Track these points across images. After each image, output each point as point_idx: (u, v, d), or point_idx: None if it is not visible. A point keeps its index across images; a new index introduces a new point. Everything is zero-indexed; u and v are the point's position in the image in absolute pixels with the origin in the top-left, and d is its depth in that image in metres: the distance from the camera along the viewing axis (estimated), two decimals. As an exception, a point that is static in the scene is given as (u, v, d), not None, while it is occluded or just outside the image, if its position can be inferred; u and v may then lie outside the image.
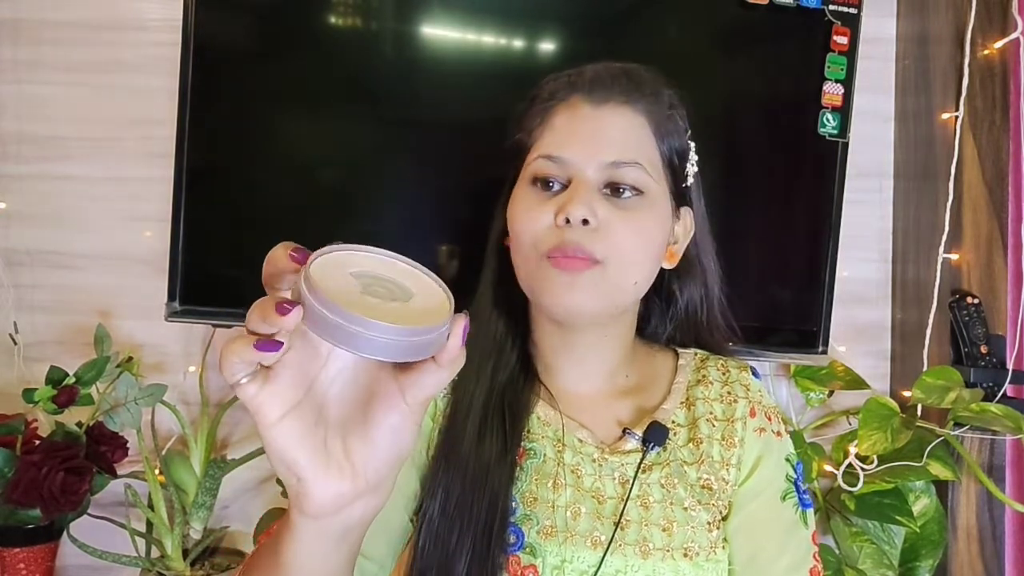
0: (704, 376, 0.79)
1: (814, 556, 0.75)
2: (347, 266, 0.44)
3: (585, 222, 0.68)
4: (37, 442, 1.16)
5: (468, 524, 0.67)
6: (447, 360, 0.44)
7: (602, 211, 0.69)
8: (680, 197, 0.77)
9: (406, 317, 0.42)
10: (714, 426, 0.75)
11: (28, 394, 1.16)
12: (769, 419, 0.77)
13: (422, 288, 0.45)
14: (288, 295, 0.43)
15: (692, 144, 0.78)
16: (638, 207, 0.71)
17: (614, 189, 0.71)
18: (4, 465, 1.12)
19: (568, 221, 0.68)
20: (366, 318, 0.39)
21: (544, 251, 0.70)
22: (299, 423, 0.45)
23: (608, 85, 0.73)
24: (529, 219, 0.71)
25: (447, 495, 0.68)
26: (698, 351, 0.83)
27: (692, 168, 0.78)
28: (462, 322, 0.44)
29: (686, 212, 0.78)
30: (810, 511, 0.76)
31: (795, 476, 0.77)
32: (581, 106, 0.72)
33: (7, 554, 1.15)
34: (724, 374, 0.79)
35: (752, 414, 0.76)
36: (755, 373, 0.81)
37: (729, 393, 0.77)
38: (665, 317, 0.83)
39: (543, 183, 0.72)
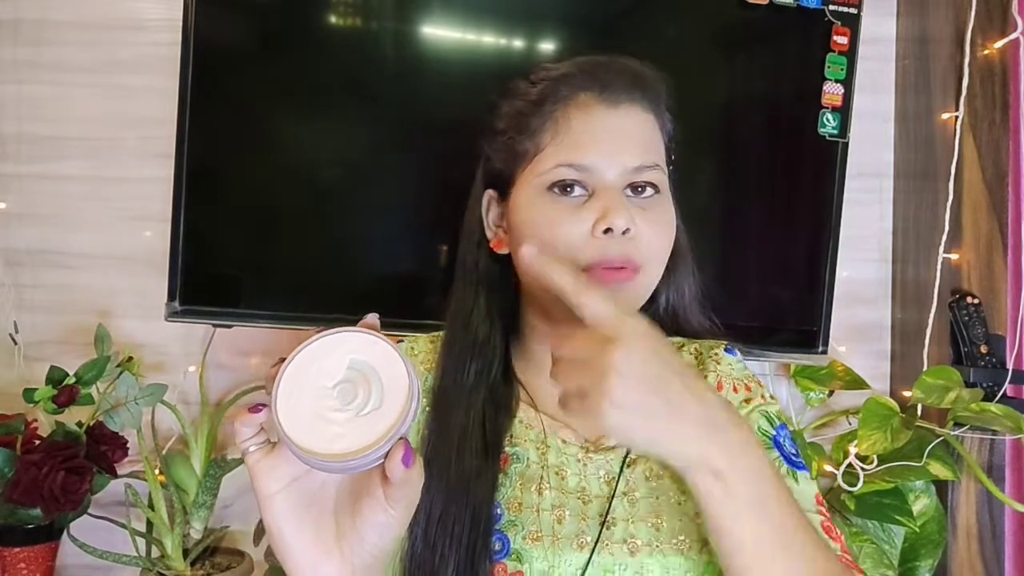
0: None
1: (822, 512, 0.67)
2: (329, 357, 0.51)
3: (626, 231, 0.67)
4: (37, 442, 1.16)
5: (452, 533, 0.66)
6: (392, 486, 0.50)
7: (637, 220, 0.68)
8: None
9: (356, 433, 0.49)
10: None
11: (28, 394, 1.16)
12: (736, 391, 0.75)
13: (390, 377, 0.50)
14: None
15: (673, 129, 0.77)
16: (657, 206, 0.71)
17: (634, 188, 0.70)
18: (4, 465, 1.12)
19: (608, 231, 0.67)
20: (305, 453, 0.48)
21: (584, 264, 0.68)
22: (293, 498, 0.51)
23: (617, 84, 0.71)
24: (562, 231, 0.68)
25: (431, 507, 0.67)
26: (674, 339, 0.81)
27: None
28: (398, 453, 0.49)
29: None
30: (803, 473, 0.70)
31: (773, 433, 0.72)
32: (595, 107, 0.70)
33: (7, 554, 1.15)
34: (697, 356, 0.78)
35: (719, 387, 0.74)
36: (730, 350, 0.78)
37: (700, 370, 0.76)
38: (649, 309, 0.80)
39: (562, 188, 0.69)
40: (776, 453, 0.71)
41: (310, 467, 0.50)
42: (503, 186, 0.75)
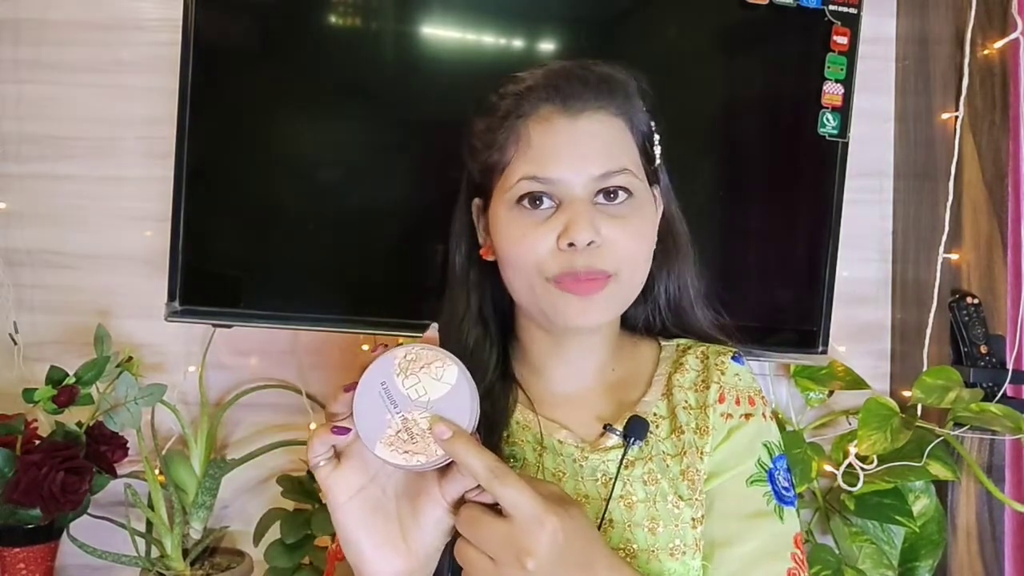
0: (682, 364, 0.77)
1: (794, 558, 0.69)
2: (391, 373, 0.57)
3: (590, 243, 0.68)
4: (37, 442, 1.16)
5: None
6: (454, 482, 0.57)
7: (603, 228, 0.68)
8: (652, 179, 0.76)
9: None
10: (689, 414, 0.74)
11: (28, 394, 1.16)
12: (738, 403, 0.75)
13: (450, 386, 0.57)
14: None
15: (653, 123, 0.76)
16: (631, 212, 0.70)
17: (606, 194, 0.70)
18: (4, 465, 1.12)
19: (572, 245, 0.67)
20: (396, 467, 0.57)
21: (552, 276, 0.68)
22: (361, 506, 0.57)
23: (580, 93, 0.70)
24: (528, 245, 0.69)
25: None
26: (681, 341, 0.81)
27: (658, 148, 0.77)
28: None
29: (656, 191, 0.77)
30: (789, 509, 0.72)
31: (771, 466, 0.73)
32: (556, 119, 0.70)
33: (7, 554, 1.16)
34: (703, 361, 0.78)
35: (721, 399, 0.74)
36: (738, 358, 0.78)
37: (704, 380, 0.76)
38: (644, 303, 0.81)
39: (531, 200, 0.70)
40: (767, 487, 0.72)
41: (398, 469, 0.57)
42: (485, 198, 0.75)
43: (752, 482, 0.72)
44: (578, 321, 0.69)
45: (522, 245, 0.69)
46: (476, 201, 0.78)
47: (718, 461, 0.73)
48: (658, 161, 0.77)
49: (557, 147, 0.69)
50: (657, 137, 0.77)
